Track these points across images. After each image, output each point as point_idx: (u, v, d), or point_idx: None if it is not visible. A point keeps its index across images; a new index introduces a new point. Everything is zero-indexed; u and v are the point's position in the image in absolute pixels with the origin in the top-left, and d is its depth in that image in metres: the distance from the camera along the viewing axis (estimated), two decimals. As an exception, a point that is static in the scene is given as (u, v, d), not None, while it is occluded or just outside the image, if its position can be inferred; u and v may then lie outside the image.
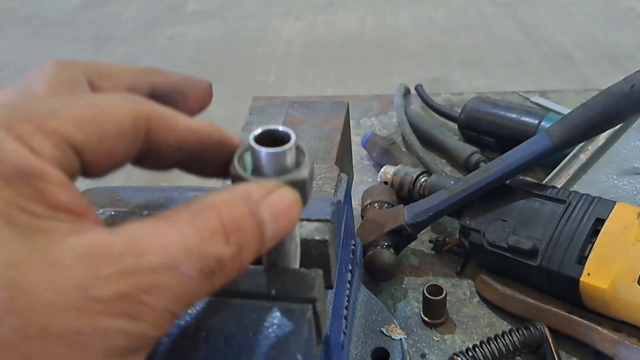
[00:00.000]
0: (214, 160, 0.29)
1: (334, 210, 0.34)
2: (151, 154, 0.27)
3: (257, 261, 0.28)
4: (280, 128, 0.26)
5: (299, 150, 0.27)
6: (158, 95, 0.32)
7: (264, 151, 0.25)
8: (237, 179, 0.26)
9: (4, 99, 0.29)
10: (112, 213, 0.33)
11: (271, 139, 0.26)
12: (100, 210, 0.34)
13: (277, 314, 0.27)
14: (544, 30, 2.29)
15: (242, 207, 0.24)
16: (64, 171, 0.23)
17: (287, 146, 0.26)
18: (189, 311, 0.28)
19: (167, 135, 0.27)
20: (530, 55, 2.08)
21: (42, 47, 3.25)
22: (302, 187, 0.26)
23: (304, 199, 0.27)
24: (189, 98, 0.33)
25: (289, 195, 0.26)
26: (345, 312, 0.50)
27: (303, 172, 0.26)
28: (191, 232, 0.22)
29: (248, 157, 0.28)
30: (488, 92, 1.02)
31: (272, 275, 0.29)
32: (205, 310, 0.28)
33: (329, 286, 0.32)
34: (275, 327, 0.27)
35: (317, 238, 0.31)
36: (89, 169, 0.25)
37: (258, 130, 0.26)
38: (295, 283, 0.28)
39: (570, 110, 0.74)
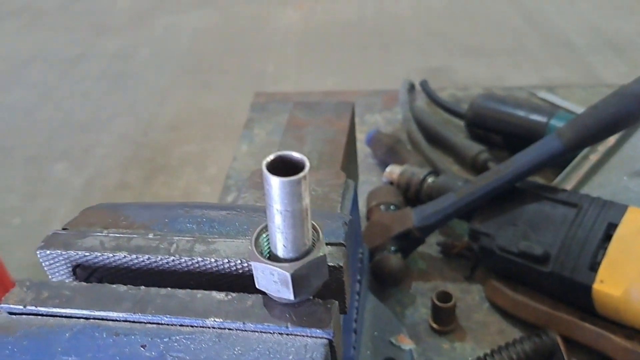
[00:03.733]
0: None
1: (346, 232, 0.32)
2: None
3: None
4: (294, 154, 0.25)
5: (314, 228, 0.27)
6: None
7: (279, 181, 0.24)
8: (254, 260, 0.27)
9: None
10: (117, 236, 0.32)
11: (284, 165, 0.25)
12: (105, 232, 0.32)
13: (293, 349, 0.26)
14: (546, 17, 2.26)
15: None
16: None
17: (301, 174, 0.24)
18: (202, 346, 0.26)
19: None
20: (532, 43, 2.05)
21: (37, 39, 3.21)
22: (322, 264, 0.26)
23: (323, 275, 0.27)
24: None
25: None
26: (354, 324, 0.49)
27: (322, 250, 0.26)
28: None
29: (264, 237, 0.27)
30: (494, 87, 1.00)
31: (287, 307, 0.27)
32: (218, 345, 0.26)
33: (342, 312, 0.31)
34: (291, 364, 0.26)
35: (332, 264, 0.29)
36: None
37: (270, 157, 0.25)
38: (311, 316, 0.27)
39: (581, 110, 0.73)
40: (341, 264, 0.29)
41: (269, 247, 0.28)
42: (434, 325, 0.62)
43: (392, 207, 0.71)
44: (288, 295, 0.26)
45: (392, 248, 0.66)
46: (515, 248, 0.60)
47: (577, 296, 0.58)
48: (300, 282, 0.26)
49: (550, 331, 0.57)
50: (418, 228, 0.65)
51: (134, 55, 2.92)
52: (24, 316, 0.29)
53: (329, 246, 0.30)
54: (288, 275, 0.25)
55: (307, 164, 0.24)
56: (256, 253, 0.26)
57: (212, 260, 0.30)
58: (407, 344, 0.56)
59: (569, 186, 0.68)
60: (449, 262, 0.69)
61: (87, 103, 2.86)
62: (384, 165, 0.83)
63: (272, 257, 0.27)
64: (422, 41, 2.33)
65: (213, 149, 2.34)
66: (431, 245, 0.71)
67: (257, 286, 0.27)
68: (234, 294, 0.28)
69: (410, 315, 0.64)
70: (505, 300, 0.63)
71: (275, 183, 0.24)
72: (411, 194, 0.74)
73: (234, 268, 0.30)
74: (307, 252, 0.26)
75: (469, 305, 0.64)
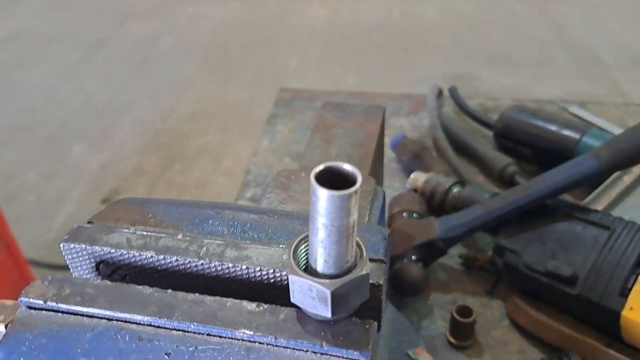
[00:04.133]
0: None
1: (386, 247, 0.31)
2: None
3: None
4: (346, 166, 0.23)
5: (357, 244, 0.26)
6: None
7: (328, 194, 0.22)
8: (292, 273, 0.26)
9: None
10: (145, 234, 0.30)
11: (334, 177, 0.23)
12: (132, 229, 0.31)
13: (328, 371, 0.25)
14: (575, 32, 2.23)
15: None
16: None
17: (352, 189, 0.22)
18: (228, 358, 0.25)
19: None
20: (559, 56, 2.02)
21: (60, 19, 3.23)
22: (364, 283, 0.25)
23: (364, 294, 0.26)
24: None
25: None
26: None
27: (365, 268, 0.26)
28: None
29: (303, 249, 0.26)
30: (522, 99, 0.98)
31: (322, 324, 0.26)
32: (248, 358, 0.25)
33: (378, 330, 0.29)
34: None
35: (371, 282, 0.28)
36: None
37: (320, 167, 0.23)
38: (349, 336, 0.25)
39: (613, 128, 0.70)
40: (380, 282, 0.28)
41: (307, 260, 0.26)
42: (452, 340, 0.60)
43: (415, 215, 0.70)
44: (325, 312, 0.25)
45: (413, 257, 0.64)
46: (542, 267, 0.59)
47: (604, 321, 0.56)
48: (339, 300, 0.24)
49: (573, 354, 0.56)
50: (442, 239, 0.64)
51: (158, 42, 2.92)
52: (43, 312, 0.28)
53: (369, 262, 0.28)
54: (328, 292, 0.24)
55: (360, 178, 0.23)
56: (294, 266, 0.25)
57: (244, 267, 0.28)
58: (424, 357, 0.55)
59: (600, 206, 0.66)
60: (470, 275, 0.68)
61: (108, 86, 2.87)
62: (408, 171, 0.81)
63: (311, 271, 0.25)
64: (448, 47, 2.30)
65: (230, 141, 2.33)
66: (453, 257, 0.69)
67: (292, 300, 0.26)
68: (265, 306, 0.26)
69: (427, 327, 0.62)
70: (526, 318, 0.61)
71: (323, 196, 0.22)
72: (435, 203, 0.72)
73: (266, 277, 0.28)
74: (349, 269, 0.25)
75: (488, 320, 0.63)
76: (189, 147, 2.40)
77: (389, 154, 0.86)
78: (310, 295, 0.25)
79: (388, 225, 0.71)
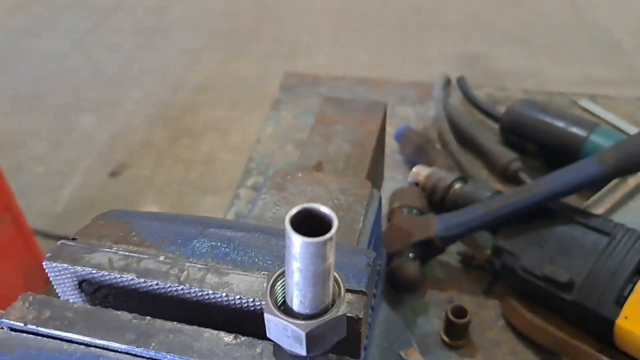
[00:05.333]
0: None
1: (369, 275, 0.30)
2: None
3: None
4: (322, 209, 0.23)
5: (335, 280, 0.26)
6: None
7: (301, 240, 0.22)
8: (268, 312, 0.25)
9: None
10: (127, 254, 0.30)
11: (309, 218, 0.23)
12: (114, 248, 0.31)
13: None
14: (595, 14, 2.16)
15: None
16: None
17: (327, 236, 0.22)
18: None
19: None
20: (578, 39, 1.97)
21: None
22: (340, 324, 0.25)
23: (340, 333, 0.26)
24: None
25: None
26: (366, 341, 0.47)
27: (342, 309, 0.25)
28: None
29: (280, 285, 0.26)
30: (534, 89, 0.96)
31: None
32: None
33: (356, 356, 0.29)
34: None
35: (351, 315, 0.27)
36: None
37: (295, 210, 0.22)
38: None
39: (624, 124, 0.69)
40: (360, 315, 0.27)
41: (284, 296, 0.26)
42: (445, 339, 0.60)
43: (414, 211, 0.69)
44: (300, 351, 0.25)
45: (411, 255, 0.64)
46: (539, 271, 0.58)
47: (598, 328, 0.56)
48: (315, 341, 0.24)
49: (565, 359, 0.56)
50: (440, 237, 0.63)
51: (169, 12, 2.88)
52: (24, 334, 0.28)
53: (348, 293, 0.28)
54: (303, 333, 0.24)
55: (335, 223, 0.22)
56: (271, 304, 0.25)
57: (224, 294, 0.28)
58: (416, 358, 0.55)
59: (602, 209, 0.65)
60: (468, 273, 0.68)
61: (118, 56, 2.85)
62: (411, 163, 0.80)
63: (287, 310, 0.25)
64: (463, 25, 2.25)
65: (239, 116, 2.32)
66: (451, 254, 0.69)
67: (268, 335, 0.26)
68: (242, 338, 0.26)
69: (421, 324, 0.62)
70: (521, 321, 0.61)
71: (297, 242, 0.22)
72: (436, 199, 0.72)
73: (246, 305, 0.28)
74: (326, 309, 0.25)
75: (483, 320, 0.63)
76: (198, 121, 2.40)
77: (392, 144, 0.85)
78: (286, 334, 0.25)
79: (387, 220, 0.71)
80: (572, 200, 0.69)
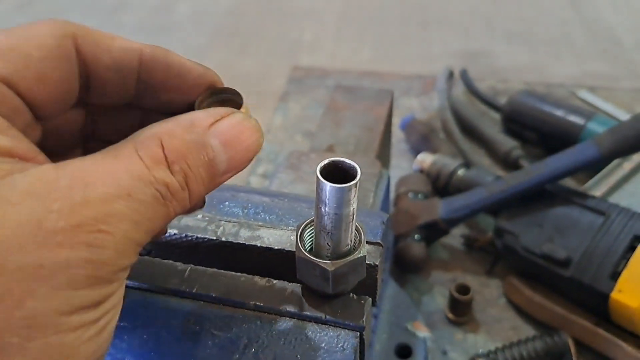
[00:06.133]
0: (177, 93, 0.27)
1: (384, 231, 0.34)
2: (94, 84, 0.26)
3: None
4: (347, 161, 0.26)
5: (356, 229, 0.29)
6: (147, 72, 0.28)
7: (330, 186, 0.25)
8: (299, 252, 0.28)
9: None
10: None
11: (336, 170, 0.26)
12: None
13: (326, 338, 0.28)
14: (596, 10, 2.18)
15: (184, 136, 0.24)
16: (5, 117, 0.22)
17: (352, 182, 0.25)
18: (242, 326, 0.29)
19: (101, 56, 0.26)
20: (579, 35, 1.99)
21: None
22: (361, 264, 0.28)
23: (361, 273, 0.28)
24: (185, 85, 0.28)
25: (240, 121, 0.25)
26: (375, 310, 0.51)
27: (362, 251, 0.28)
28: (136, 162, 0.22)
29: (308, 232, 0.29)
30: (535, 82, 0.99)
31: (323, 299, 0.29)
32: (256, 326, 0.29)
33: (373, 305, 0.33)
34: (323, 351, 0.28)
35: (368, 262, 0.31)
36: (38, 108, 0.24)
37: (324, 162, 0.26)
38: (346, 309, 0.29)
39: (621, 113, 0.72)
40: (377, 263, 0.31)
41: (312, 241, 0.29)
42: (449, 315, 0.64)
43: (420, 195, 0.72)
44: (326, 289, 0.28)
45: (417, 236, 0.67)
46: (538, 249, 0.61)
47: (594, 303, 0.59)
48: (339, 279, 0.28)
49: (563, 333, 0.59)
50: (444, 220, 0.67)
51: (173, 10, 2.91)
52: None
53: (367, 245, 0.31)
54: (329, 271, 0.27)
55: (359, 173, 0.25)
56: (300, 247, 0.28)
57: (257, 245, 0.32)
58: (422, 331, 0.58)
59: (599, 192, 0.69)
60: (471, 255, 0.71)
61: (124, 54, 2.88)
62: (415, 152, 0.83)
63: (315, 252, 0.29)
64: (465, 22, 2.26)
65: (243, 112, 2.34)
66: (455, 237, 0.72)
67: (297, 276, 0.29)
68: (274, 281, 0.30)
69: (426, 303, 0.66)
70: (522, 298, 0.64)
71: (326, 188, 0.25)
72: (440, 184, 0.75)
73: (275, 256, 0.32)
74: (349, 252, 0.28)
75: (485, 299, 0.66)
76: (203, 117, 2.43)
77: (398, 134, 0.88)
78: (314, 274, 0.28)
79: (394, 205, 0.74)
80: (570, 185, 0.72)
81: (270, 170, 0.85)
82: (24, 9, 3.01)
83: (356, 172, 0.26)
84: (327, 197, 0.26)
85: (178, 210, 0.24)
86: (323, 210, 0.26)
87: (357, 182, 0.26)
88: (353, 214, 0.27)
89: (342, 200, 0.26)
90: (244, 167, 0.26)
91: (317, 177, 0.25)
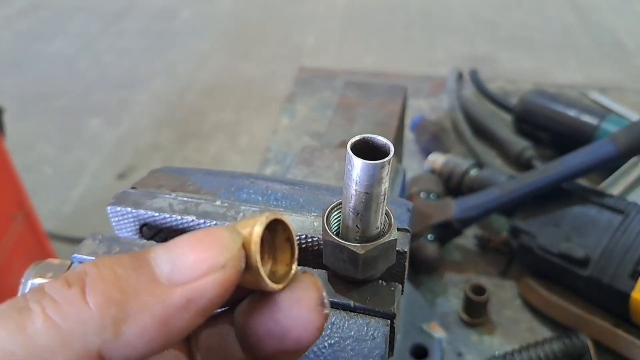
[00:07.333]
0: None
1: (410, 218, 0.33)
2: None
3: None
4: (379, 138, 0.25)
5: (386, 213, 0.28)
6: None
7: (362, 163, 0.24)
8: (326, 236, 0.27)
9: None
10: (185, 199, 0.32)
11: (368, 148, 0.25)
12: (173, 195, 0.33)
13: (355, 326, 0.27)
14: (599, 15, 2.19)
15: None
16: None
17: (385, 159, 0.24)
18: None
19: None
20: (582, 40, 1.99)
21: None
22: (392, 249, 0.27)
23: (391, 259, 0.28)
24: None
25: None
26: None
27: (393, 235, 0.27)
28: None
29: (336, 215, 0.28)
30: (543, 84, 0.98)
31: (353, 286, 0.28)
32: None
33: (401, 285, 0.31)
34: (352, 339, 0.26)
35: (397, 249, 0.29)
36: None
37: (355, 138, 0.25)
38: (375, 296, 0.27)
39: (633, 114, 0.70)
40: (405, 250, 0.30)
41: (338, 226, 0.28)
42: (464, 317, 0.62)
43: (432, 195, 0.71)
44: (355, 274, 0.27)
45: (430, 236, 0.66)
46: (555, 249, 0.60)
47: (613, 303, 0.57)
48: (368, 263, 0.26)
49: (581, 334, 0.57)
50: (458, 219, 0.65)
51: (176, 15, 2.91)
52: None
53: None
54: (359, 255, 0.26)
55: (392, 149, 0.24)
56: (328, 230, 0.27)
57: (279, 232, 0.31)
58: (437, 332, 0.57)
59: (616, 191, 0.67)
60: (485, 256, 0.69)
61: (126, 59, 2.88)
62: (426, 152, 0.82)
63: (343, 235, 0.27)
64: (469, 28, 2.27)
65: (246, 119, 2.34)
66: (468, 238, 0.71)
67: (324, 261, 0.28)
68: (299, 267, 0.29)
69: (440, 304, 0.64)
70: (538, 298, 0.63)
71: (358, 164, 0.24)
72: (453, 185, 0.74)
73: (298, 242, 0.30)
74: (378, 235, 0.27)
75: (501, 300, 0.65)
76: (205, 123, 2.42)
77: (407, 135, 0.87)
78: (342, 258, 0.27)
79: (405, 204, 0.73)
80: (587, 184, 0.71)
81: (278, 171, 0.84)
82: (28, 14, 3.01)
83: (389, 149, 0.24)
84: (359, 174, 0.24)
85: None
86: (353, 189, 0.25)
87: (390, 159, 0.24)
88: (384, 194, 0.25)
89: (373, 179, 0.24)
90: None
91: (348, 152, 0.24)
